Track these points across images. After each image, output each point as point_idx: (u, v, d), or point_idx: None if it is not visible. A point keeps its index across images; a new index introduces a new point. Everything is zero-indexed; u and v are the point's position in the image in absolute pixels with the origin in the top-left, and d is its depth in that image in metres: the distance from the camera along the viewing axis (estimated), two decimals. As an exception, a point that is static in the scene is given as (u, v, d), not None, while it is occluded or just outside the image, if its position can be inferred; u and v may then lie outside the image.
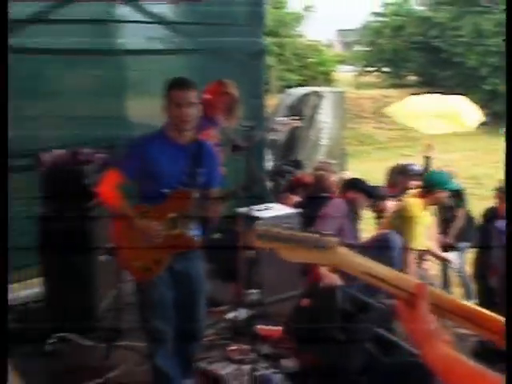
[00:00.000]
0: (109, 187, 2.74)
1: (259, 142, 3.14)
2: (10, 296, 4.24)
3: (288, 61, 15.64)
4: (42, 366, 3.40)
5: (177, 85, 2.68)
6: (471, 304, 1.14)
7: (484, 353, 2.28)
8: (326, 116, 6.76)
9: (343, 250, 1.12)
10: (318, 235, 1.12)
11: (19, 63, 4.31)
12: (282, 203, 4.98)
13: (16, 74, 4.36)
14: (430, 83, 20.17)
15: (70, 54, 4.62)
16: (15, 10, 4.27)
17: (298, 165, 6.38)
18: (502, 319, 1.06)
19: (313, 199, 4.63)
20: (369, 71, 25.08)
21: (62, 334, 3.59)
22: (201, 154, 2.77)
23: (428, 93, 8.24)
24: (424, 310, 1.08)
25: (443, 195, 4.44)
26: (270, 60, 6.13)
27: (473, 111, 6.90)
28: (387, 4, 24.93)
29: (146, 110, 5.51)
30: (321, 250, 1.10)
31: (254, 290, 2.09)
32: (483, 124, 11.89)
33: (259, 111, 5.12)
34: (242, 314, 3.79)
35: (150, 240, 2.66)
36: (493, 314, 1.09)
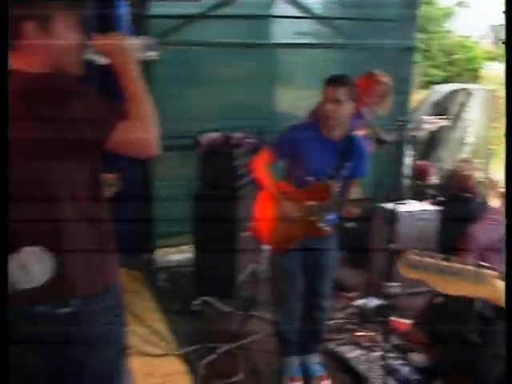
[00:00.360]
0: (260, 164, 2.84)
1: (403, 138, 3.01)
2: (164, 259, 4.60)
3: (434, 57, 14.76)
4: (187, 322, 3.60)
5: (329, 81, 2.67)
6: None
7: None
8: (473, 114, 6.29)
9: (501, 284, 1.01)
10: (474, 267, 1.02)
11: (184, 55, 4.61)
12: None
13: (181, 64, 4.70)
14: None
15: (227, 47, 4.81)
16: (186, 8, 4.58)
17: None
18: None
19: (454, 199, 4.35)
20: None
21: (205, 298, 3.79)
22: (350, 149, 2.74)
23: None
24: None
25: None
26: (416, 56, 5.81)
27: None
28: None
29: (292, 102, 5.57)
30: (478, 283, 1.01)
31: (391, 283, 2.01)
32: None
33: (405, 107, 4.93)
34: (371, 302, 3.71)
35: (285, 218, 2.74)
36: None
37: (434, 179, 5.40)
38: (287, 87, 5.54)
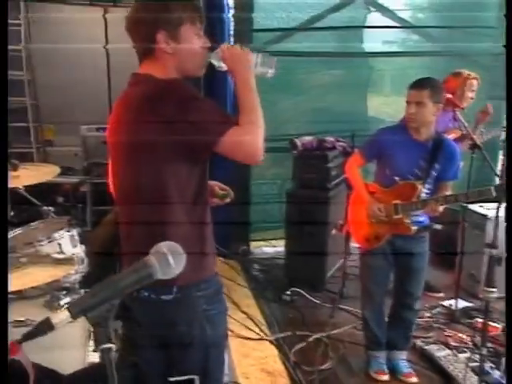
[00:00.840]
0: (351, 166, 2.83)
1: (496, 142, 2.79)
2: (259, 251, 4.65)
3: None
4: (279, 310, 3.61)
5: (412, 84, 2.61)
6: None
7: None
8: None
9: None
10: None
11: (282, 64, 4.62)
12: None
13: (280, 73, 4.72)
14: None
15: (322, 56, 4.76)
16: (284, 22, 4.59)
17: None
18: None
19: None
20: None
21: (296, 289, 3.77)
22: (439, 150, 2.62)
23: None
24: None
25: None
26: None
27: None
28: None
29: (382, 107, 5.42)
30: None
31: (490, 289, 1.86)
32: None
33: (499, 113, 4.59)
34: (459, 304, 3.49)
35: (372, 217, 2.70)
36: None
37: None
38: (378, 93, 5.41)
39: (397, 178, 2.66)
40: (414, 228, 2.67)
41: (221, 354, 1.63)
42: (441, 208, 2.55)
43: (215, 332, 1.55)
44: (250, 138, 1.42)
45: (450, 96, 3.52)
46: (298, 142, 4.09)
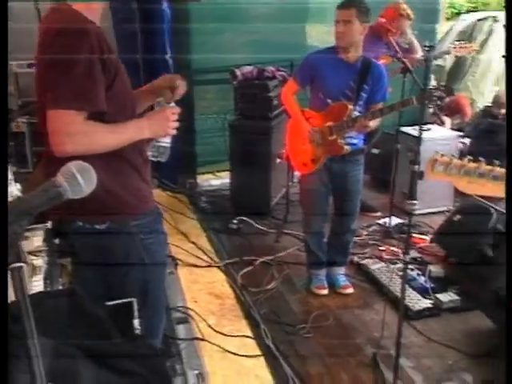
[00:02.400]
0: (286, 94, 2.83)
1: (426, 66, 2.84)
2: (205, 183, 4.65)
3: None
4: (227, 239, 3.68)
5: (340, 4, 2.64)
6: None
7: None
8: (500, 41, 5.85)
9: None
10: (501, 168, 0.95)
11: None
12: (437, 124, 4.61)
13: (217, 3, 4.52)
14: None
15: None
16: None
17: (449, 90, 5.68)
18: None
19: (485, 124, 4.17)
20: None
21: (242, 218, 3.84)
22: (367, 72, 2.67)
23: None
24: None
25: None
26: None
27: None
28: None
29: (323, 36, 5.32)
30: (502, 183, 0.94)
31: (412, 201, 1.96)
32: None
33: (432, 36, 4.62)
34: (393, 221, 3.68)
35: (309, 141, 2.76)
36: None
37: (468, 109, 5.16)
38: (319, 22, 5.30)
39: (329, 101, 2.69)
40: (348, 148, 2.72)
41: (160, 281, 1.67)
42: (371, 123, 2.61)
43: (153, 260, 1.57)
44: (62, 127, 1.33)
45: (383, 20, 3.54)
46: (238, 71, 3.99)
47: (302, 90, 2.84)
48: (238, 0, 4.50)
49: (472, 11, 9.90)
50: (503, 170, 0.93)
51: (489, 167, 0.94)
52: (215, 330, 2.61)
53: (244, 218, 3.84)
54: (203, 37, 4.32)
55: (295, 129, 2.86)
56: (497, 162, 0.94)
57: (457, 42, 3.68)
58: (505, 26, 0.96)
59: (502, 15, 6.17)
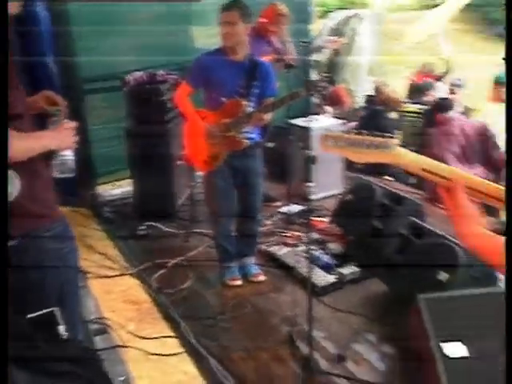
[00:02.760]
0: (180, 96, 2.89)
1: (305, 62, 3.08)
2: (107, 194, 4.53)
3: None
4: (136, 245, 3.65)
5: (222, 7, 2.74)
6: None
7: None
8: (366, 37, 6.44)
9: (402, 150, 1.11)
10: (380, 138, 1.10)
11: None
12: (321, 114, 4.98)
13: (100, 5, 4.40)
14: None
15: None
16: None
17: (331, 81, 6.19)
18: None
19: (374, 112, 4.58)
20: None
21: (149, 223, 3.82)
22: (255, 69, 2.80)
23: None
24: (462, 195, 1.08)
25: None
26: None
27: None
28: None
29: (208, 38, 5.42)
30: (383, 150, 1.10)
31: (310, 184, 2.16)
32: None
33: (305, 34, 4.95)
34: (294, 208, 3.91)
35: (208, 139, 2.83)
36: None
37: (347, 99, 5.59)
38: (203, 24, 5.38)
39: (223, 99, 2.79)
40: (247, 142, 2.85)
41: (75, 290, 1.66)
42: (266, 116, 2.76)
43: (67, 269, 1.56)
44: None
45: (264, 20, 3.75)
46: (129, 77, 3.96)
47: (195, 92, 2.90)
48: (120, 3, 4.45)
49: (340, 9, 10.65)
50: (382, 139, 1.09)
51: (371, 138, 1.09)
52: (135, 335, 2.60)
53: (151, 223, 3.83)
54: (88, 41, 4.19)
55: (192, 129, 2.92)
56: (377, 133, 1.10)
57: (330, 38, 4.01)
58: (505, 28, 1.04)
59: (365, 12, 6.78)
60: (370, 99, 5.31)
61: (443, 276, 2.34)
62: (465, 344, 1.97)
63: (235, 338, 2.61)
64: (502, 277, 2.40)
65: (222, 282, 3.11)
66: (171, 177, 3.96)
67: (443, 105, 4.50)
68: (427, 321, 2.04)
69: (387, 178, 4.52)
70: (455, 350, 1.98)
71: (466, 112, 5.08)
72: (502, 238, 1.02)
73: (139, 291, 3.05)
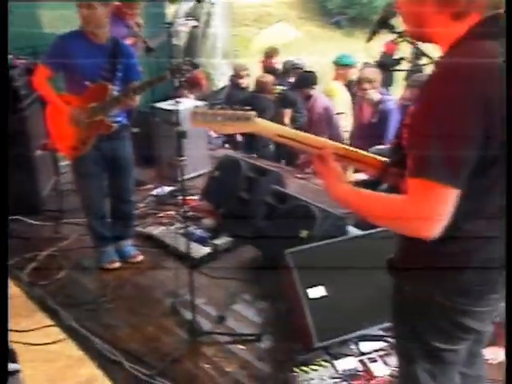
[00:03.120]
0: (39, 81, 2.78)
1: (164, 44, 3.15)
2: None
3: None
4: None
5: None
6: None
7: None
8: (218, 22, 6.66)
9: (259, 120, 1.31)
10: (240, 111, 1.28)
11: None
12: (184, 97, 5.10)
13: None
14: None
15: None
16: None
17: (194, 65, 6.27)
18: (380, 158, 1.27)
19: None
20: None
21: (15, 217, 3.59)
22: (118, 52, 2.79)
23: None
24: (329, 159, 1.26)
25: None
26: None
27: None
28: None
29: (56, 22, 5.13)
30: (244, 121, 1.28)
31: (182, 158, 2.27)
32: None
33: (161, 18, 4.98)
34: (164, 190, 4.01)
35: (74, 124, 2.78)
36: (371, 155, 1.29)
37: (205, 82, 5.74)
38: (49, 8, 5.07)
39: (87, 83, 2.74)
40: (115, 125, 2.85)
41: None
42: (135, 99, 2.76)
43: None
44: None
45: (117, 3, 3.71)
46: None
47: (55, 75, 2.80)
48: None
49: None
50: (242, 112, 1.27)
51: (232, 112, 1.27)
52: (11, 330, 2.50)
53: (17, 217, 3.60)
54: None
55: (56, 115, 2.83)
56: (237, 107, 1.27)
57: (184, 21, 4.12)
58: (505, 28, 1.08)
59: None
60: (232, 81, 5.63)
61: (304, 233, 2.68)
62: (325, 286, 2.32)
63: (119, 317, 2.67)
64: (351, 228, 2.84)
65: (100, 267, 3.11)
66: (31, 169, 3.75)
67: (307, 78, 4.87)
68: (294, 272, 2.34)
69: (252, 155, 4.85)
70: (317, 292, 2.32)
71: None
72: (366, 192, 1.19)
73: (11, 287, 2.89)
